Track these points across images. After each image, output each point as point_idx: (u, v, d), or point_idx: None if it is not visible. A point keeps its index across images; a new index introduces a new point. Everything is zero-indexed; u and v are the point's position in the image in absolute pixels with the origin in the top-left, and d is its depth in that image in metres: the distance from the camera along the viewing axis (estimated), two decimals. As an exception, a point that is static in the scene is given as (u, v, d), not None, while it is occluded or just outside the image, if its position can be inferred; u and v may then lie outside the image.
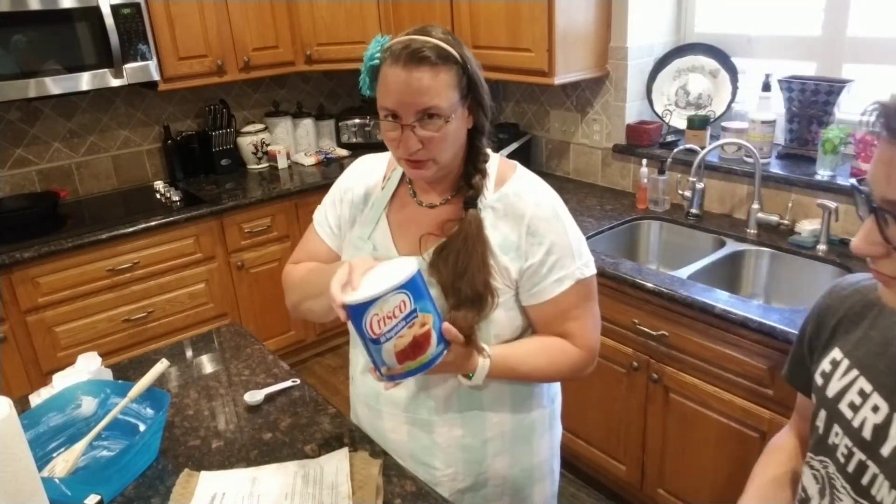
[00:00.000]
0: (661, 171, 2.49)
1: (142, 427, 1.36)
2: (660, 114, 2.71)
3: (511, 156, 3.00)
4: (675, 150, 2.44)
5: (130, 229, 2.71)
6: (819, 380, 0.94)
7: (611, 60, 2.70)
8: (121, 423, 1.37)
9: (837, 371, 0.91)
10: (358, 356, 1.36)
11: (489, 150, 1.25)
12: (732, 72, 2.55)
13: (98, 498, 1.09)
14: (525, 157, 3.09)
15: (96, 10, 2.63)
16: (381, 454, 1.29)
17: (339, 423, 1.40)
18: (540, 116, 3.09)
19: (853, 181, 0.77)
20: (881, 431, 0.82)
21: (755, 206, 2.25)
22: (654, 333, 2.03)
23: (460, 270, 1.15)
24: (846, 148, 2.16)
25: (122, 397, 1.35)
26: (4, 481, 0.96)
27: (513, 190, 1.21)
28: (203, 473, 1.26)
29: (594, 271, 1.24)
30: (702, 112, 2.60)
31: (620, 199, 2.72)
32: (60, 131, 3.06)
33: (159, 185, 3.21)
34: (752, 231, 2.26)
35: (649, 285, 1.98)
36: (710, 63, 2.60)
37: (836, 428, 0.89)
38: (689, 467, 2.07)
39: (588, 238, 2.35)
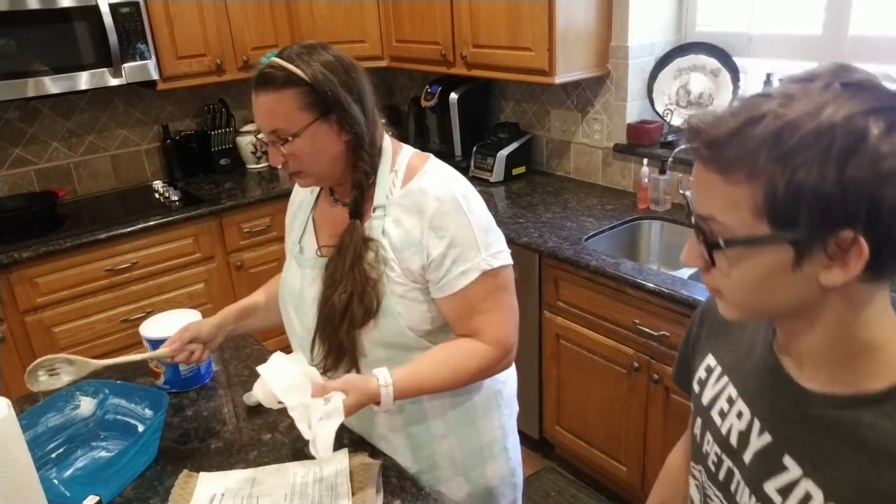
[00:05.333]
0: (663, 171, 2.48)
1: (141, 428, 1.35)
2: (661, 113, 2.70)
3: (511, 155, 3.03)
4: (677, 150, 2.42)
5: (129, 229, 2.70)
6: (696, 387, 0.92)
7: (611, 59, 2.69)
8: (120, 424, 1.36)
9: (711, 377, 0.89)
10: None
11: (405, 145, 1.28)
12: (734, 71, 2.54)
13: (97, 499, 1.09)
14: (525, 156, 3.09)
15: (95, 10, 2.63)
16: (380, 455, 1.29)
17: (339, 423, 1.40)
18: (540, 116, 3.08)
19: (684, 193, 0.76)
20: (744, 437, 0.80)
21: (756, 205, 2.24)
22: (655, 334, 2.02)
23: (336, 280, 1.20)
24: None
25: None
26: (3, 482, 0.96)
27: (418, 186, 1.20)
28: (202, 474, 1.25)
29: (506, 262, 1.21)
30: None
31: (621, 198, 2.71)
32: (59, 131, 3.05)
33: (158, 184, 3.20)
34: (753, 231, 2.25)
35: (650, 285, 1.97)
36: (712, 62, 2.59)
37: (708, 435, 0.87)
38: (691, 468, 2.06)
39: (588, 238, 2.35)
